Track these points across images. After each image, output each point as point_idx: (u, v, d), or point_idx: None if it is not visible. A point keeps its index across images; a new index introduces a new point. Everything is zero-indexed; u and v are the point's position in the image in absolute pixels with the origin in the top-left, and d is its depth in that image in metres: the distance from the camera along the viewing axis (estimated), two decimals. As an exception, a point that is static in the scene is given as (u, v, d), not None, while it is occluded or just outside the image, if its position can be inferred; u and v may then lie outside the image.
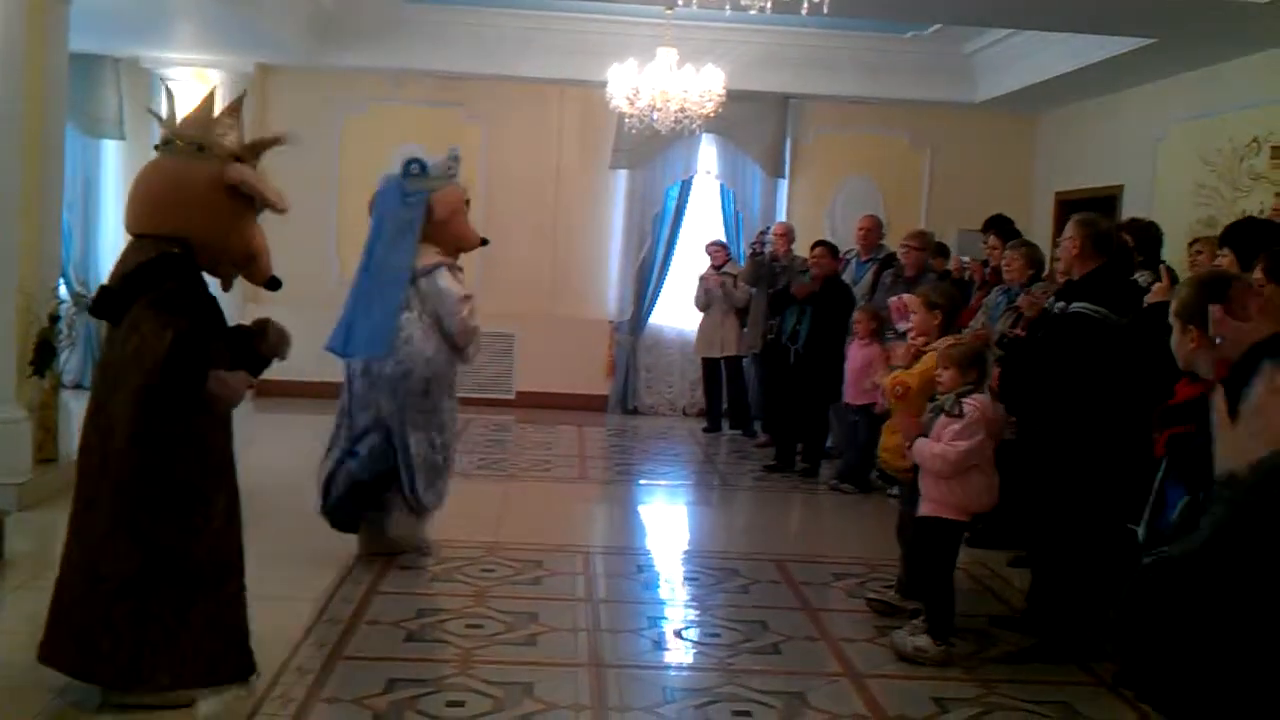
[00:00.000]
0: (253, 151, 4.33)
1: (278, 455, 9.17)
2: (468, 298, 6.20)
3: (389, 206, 6.15)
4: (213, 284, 4.37)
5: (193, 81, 10.40)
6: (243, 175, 4.18)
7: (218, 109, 4.36)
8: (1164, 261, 6.52)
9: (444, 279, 6.13)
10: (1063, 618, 5.16)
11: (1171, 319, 3.65)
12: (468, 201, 6.41)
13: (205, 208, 4.16)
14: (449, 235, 6.22)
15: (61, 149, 7.72)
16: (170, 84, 4.39)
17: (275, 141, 4.45)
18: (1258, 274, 3.70)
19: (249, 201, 4.27)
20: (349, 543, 6.34)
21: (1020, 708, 4.61)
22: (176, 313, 4.02)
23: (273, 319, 4.49)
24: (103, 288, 4.19)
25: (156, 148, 4.37)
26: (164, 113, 4.36)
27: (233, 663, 4.21)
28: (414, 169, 6.17)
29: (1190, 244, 6.76)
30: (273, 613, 4.74)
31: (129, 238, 4.28)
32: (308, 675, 4.52)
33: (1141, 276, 5.95)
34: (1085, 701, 4.69)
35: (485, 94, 12.03)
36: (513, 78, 11.68)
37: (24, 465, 6.90)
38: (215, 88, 4.46)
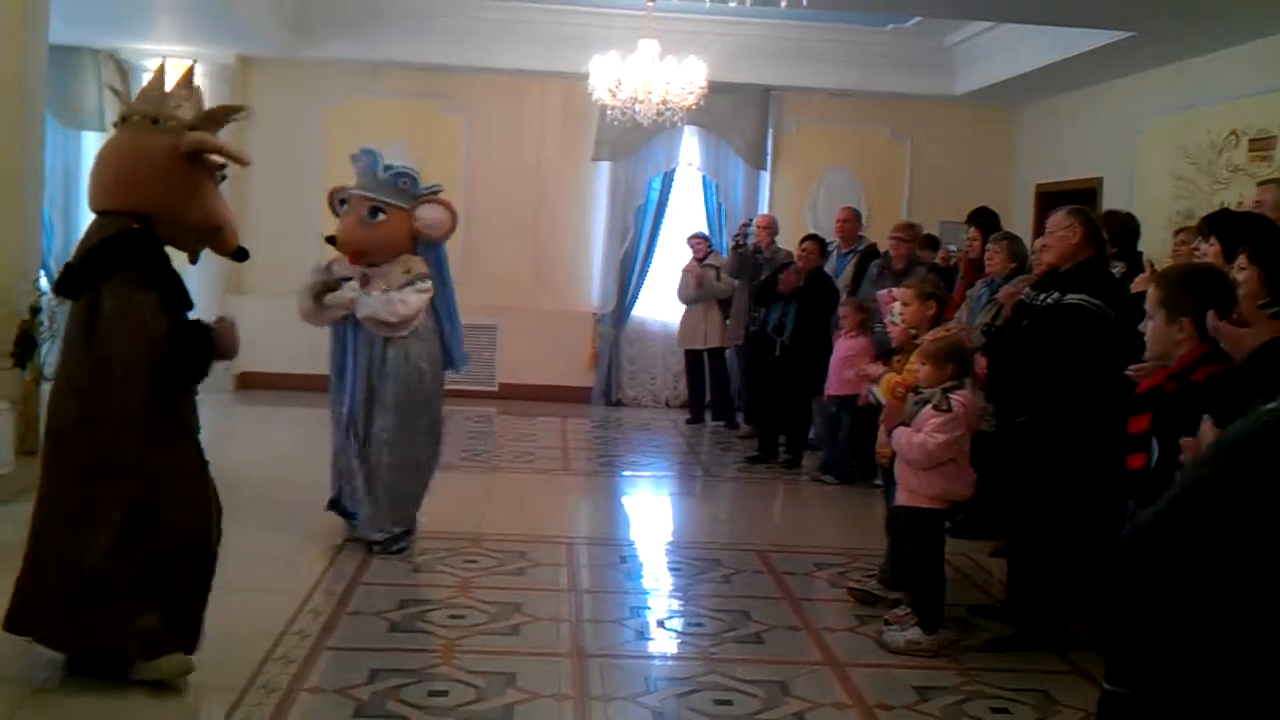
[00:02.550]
0: (210, 121, 4.31)
1: (261, 447, 9.17)
2: None
3: None
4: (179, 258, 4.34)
5: (174, 74, 10.36)
6: (199, 139, 4.18)
7: (174, 88, 4.35)
8: (1141, 252, 6.58)
9: None
10: (1041, 608, 5.19)
11: (1154, 308, 3.66)
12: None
13: (162, 180, 4.15)
14: None
15: (41, 140, 7.69)
16: (124, 63, 4.39)
17: (233, 110, 4.43)
18: (1242, 262, 3.70)
19: (208, 171, 4.27)
20: (332, 534, 6.35)
21: (1000, 696, 4.64)
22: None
23: (231, 321, 4.34)
24: (67, 265, 4.19)
25: (114, 125, 4.38)
26: (119, 90, 4.39)
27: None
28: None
29: (1175, 233, 6.81)
30: (256, 603, 4.74)
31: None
32: (291, 665, 4.52)
33: (1116, 268, 5.99)
34: (1063, 690, 4.72)
35: (467, 86, 12.01)
36: (494, 70, 11.68)
37: (5, 457, 6.88)
38: (164, 61, 4.38)
